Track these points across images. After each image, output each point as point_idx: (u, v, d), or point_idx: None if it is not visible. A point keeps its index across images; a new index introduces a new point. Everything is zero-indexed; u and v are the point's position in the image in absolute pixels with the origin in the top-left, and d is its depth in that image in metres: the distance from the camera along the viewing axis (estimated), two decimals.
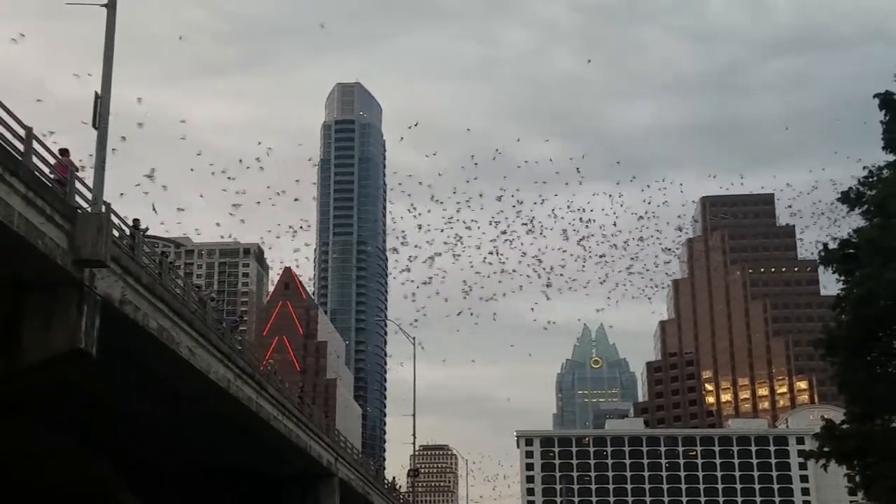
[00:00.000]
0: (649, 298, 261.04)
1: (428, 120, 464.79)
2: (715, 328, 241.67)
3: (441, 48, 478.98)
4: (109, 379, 27.64)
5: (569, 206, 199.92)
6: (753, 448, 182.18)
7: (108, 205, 23.26)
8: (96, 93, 22.80)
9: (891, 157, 33.49)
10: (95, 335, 22.25)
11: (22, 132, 20.66)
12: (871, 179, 32.53)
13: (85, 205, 22.66)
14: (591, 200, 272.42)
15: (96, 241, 21.46)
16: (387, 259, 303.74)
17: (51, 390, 27.03)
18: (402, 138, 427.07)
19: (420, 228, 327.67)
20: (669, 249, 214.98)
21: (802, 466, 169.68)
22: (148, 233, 30.00)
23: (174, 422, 35.41)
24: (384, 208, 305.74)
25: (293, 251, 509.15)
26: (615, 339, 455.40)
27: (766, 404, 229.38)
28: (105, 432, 34.94)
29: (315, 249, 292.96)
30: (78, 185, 23.00)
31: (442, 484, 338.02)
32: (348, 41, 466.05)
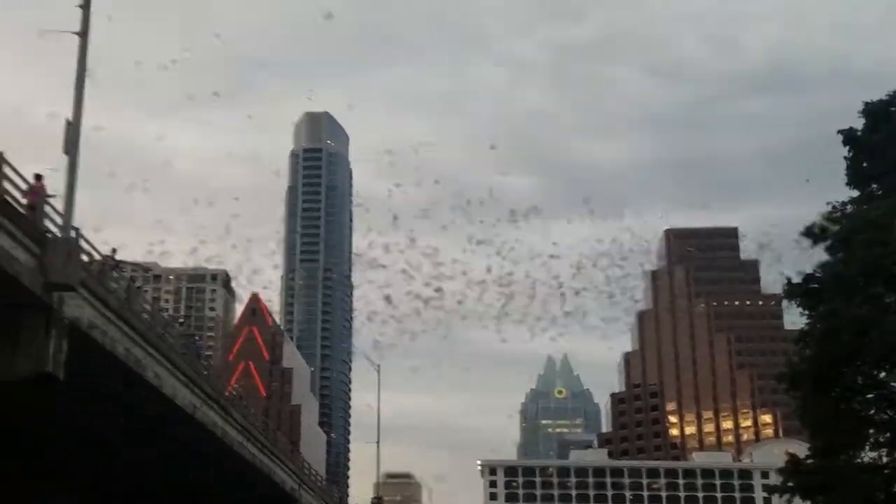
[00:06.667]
0: (612, 329, 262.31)
1: (396, 151, 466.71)
2: (679, 360, 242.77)
3: (411, 82, 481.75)
4: (74, 403, 27.34)
5: (533, 239, 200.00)
6: (718, 482, 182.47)
7: (77, 230, 23.29)
8: (67, 119, 22.93)
9: (854, 193, 34.10)
10: (63, 359, 22.17)
11: None
12: (834, 215, 32.97)
13: (55, 230, 22.59)
14: (559, 233, 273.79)
15: (65, 266, 21.49)
16: (352, 287, 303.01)
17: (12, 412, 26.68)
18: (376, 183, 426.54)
19: (385, 257, 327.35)
20: (632, 280, 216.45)
21: (767, 501, 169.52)
22: (116, 257, 29.87)
23: (136, 444, 35.03)
24: (350, 236, 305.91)
25: (260, 277, 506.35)
26: (579, 369, 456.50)
27: (730, 437, 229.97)
28: (63, 455, 34.47)
29: (282, 276, 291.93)
30: (49, 210, 22.93)
31: None
32: (321, 74, 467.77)
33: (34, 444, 27.47)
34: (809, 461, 31.50)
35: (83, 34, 23.48)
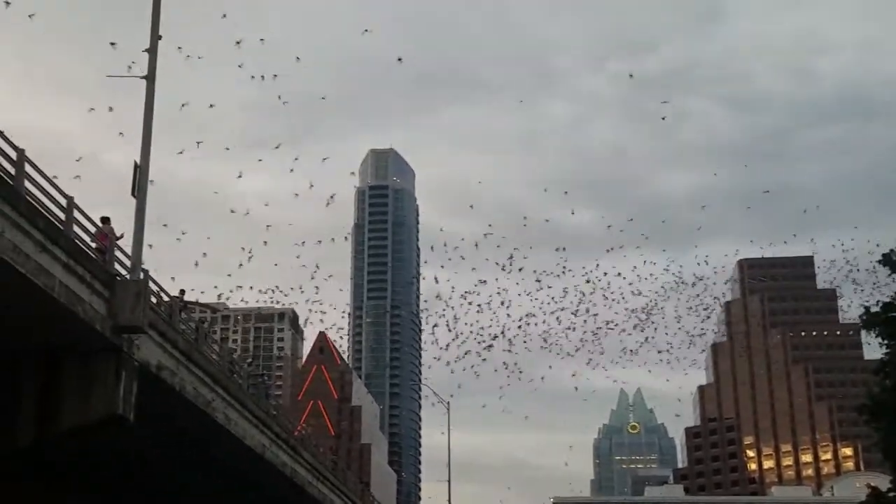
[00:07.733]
0: (691, 360, 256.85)
1: (465, 188, 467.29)
2: (755, 393, 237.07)
3: (479, 118, 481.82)
4: (144, 443, 27.65)
5: (607, 273, 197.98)
6: None
7: (146, 272, 23.64)
8: (135, 162, 23.26)
9: None
10: (133, 401, 22.40)
11: (63, 201, 21.10)
12: None
13: (124, 272, 22.98)
14: (631, 266, 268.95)
15: (134, 308, 21.76)
16: (420, 323, 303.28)
17: (84, 453, 27.05)
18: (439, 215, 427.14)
19: (454, 292, 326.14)
20: (708, 311, 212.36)
21: None
22: (184, 298, 30.32)
23: (207, 486, 35.27)
24: (418, 273, 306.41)
25: (328, 316, 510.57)
26: (652, 403, 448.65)
27: (810, 471, 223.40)
28: (136, 496, 34.83)
29: (349, 314, 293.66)
30: (118, 252, 23.36)
31: None
32: (389, 113, 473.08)
33: (98, 480, 27.80)
34: (891, 494, 30.55)
35: (150, 79, 23.87)
